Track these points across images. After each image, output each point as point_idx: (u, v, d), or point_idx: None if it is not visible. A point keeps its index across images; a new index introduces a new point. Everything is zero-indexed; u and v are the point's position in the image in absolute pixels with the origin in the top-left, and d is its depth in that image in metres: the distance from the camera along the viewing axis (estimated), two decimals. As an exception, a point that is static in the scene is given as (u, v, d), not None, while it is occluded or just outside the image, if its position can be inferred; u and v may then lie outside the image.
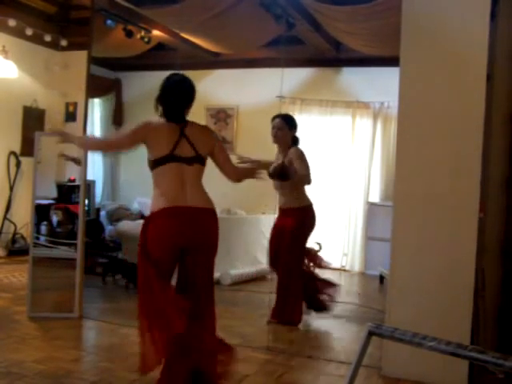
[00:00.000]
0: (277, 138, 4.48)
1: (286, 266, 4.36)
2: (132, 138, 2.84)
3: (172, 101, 2.80)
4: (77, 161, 4.25)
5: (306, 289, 4.47)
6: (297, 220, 4.37)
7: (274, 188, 4.51)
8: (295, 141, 4.50)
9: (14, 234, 6.71)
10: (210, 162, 2.92)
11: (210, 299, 2.84)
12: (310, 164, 4.36)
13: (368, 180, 7.31)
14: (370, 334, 1.69)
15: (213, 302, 2.86)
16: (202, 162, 2.84)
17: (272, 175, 4.17)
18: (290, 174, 4.20)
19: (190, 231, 2.73)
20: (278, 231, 4.49)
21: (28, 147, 6.51)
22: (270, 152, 7.10)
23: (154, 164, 2.76)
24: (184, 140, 2.78)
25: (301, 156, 4.33)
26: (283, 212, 4.50)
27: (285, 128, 4.45)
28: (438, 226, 3.21)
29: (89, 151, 3.12)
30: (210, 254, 2.84)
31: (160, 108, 2.83)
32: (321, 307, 4.62)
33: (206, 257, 2.82)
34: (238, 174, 3.04)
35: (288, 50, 6.37)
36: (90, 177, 5.10)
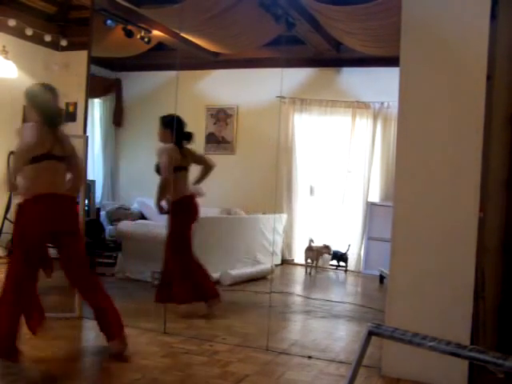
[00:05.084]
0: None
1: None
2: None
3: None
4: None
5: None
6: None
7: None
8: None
9: (14, 234, 6.69)
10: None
11: (87, 276, 3.32)
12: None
13: (368, 180, 7.32)
14: (370, 334, 1.68)
15: (91, 276, 3.36)
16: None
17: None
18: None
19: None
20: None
21: (28, 147, 6.50)
22: (270, 152, 7.14)
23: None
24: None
25: None
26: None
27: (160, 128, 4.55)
28: (438, 226, 3.20)
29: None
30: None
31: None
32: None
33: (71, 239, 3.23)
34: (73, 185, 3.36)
35: (288, 50, 6.38)
36: (90, 177, 5.10)
